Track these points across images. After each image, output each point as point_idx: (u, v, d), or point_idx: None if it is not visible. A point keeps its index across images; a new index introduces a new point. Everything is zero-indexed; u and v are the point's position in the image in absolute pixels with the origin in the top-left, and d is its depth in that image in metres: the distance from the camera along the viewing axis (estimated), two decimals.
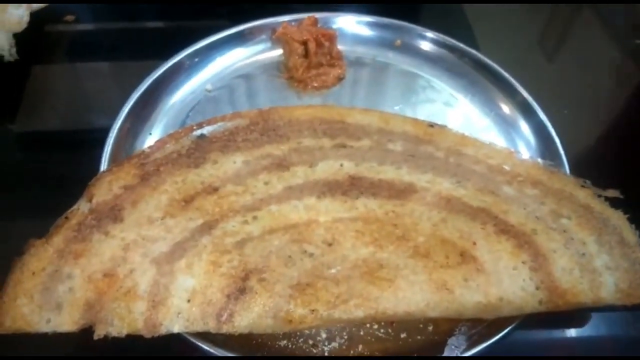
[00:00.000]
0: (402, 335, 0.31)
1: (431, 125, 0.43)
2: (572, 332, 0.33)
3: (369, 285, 0.30)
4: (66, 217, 0.34)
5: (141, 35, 0.55)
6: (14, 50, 0.48)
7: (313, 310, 0.29)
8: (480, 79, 0.47)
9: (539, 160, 0.39)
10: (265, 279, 0.31)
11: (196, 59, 0.47)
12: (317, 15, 0.50)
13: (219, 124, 0.42)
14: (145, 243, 0.32)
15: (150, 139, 0.43)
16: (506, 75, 0.45)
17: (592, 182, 0.36)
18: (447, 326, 0.31)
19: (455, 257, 0.31)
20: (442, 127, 0.42)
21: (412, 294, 0.29)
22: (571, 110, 0.47)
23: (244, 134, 0.41)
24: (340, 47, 0.49)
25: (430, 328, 0.32)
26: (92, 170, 0.38)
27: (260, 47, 0.49)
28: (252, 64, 0.49)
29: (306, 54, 0.47)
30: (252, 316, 0.29)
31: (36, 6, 0.49)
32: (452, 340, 0.30)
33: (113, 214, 0.34)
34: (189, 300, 0.30)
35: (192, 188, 0.37)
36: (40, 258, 0.31)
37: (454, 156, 0.40)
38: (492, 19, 0.55)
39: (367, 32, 0.51)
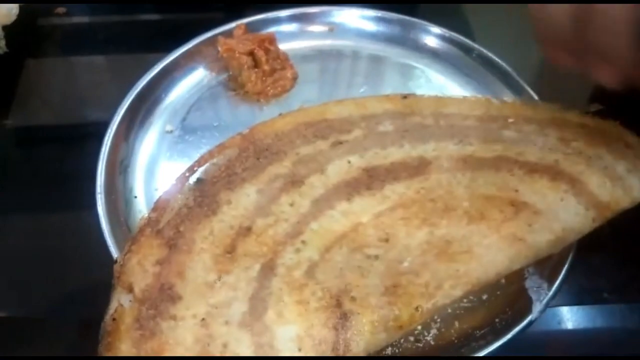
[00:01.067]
0: (484, 297, 0.33)
1: (404, 96, 0.44)
2: (568, 325, 0.36)
3: (451, 263, 0.32)
4: (114, 319, 0.30)
5: (137, 28, 0.54)
6: (3, 42, 0.47)
7: (417, 308, 0.30)
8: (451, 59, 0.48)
9: (514, 97, 0.42)
10: (356, 297, 0.31)
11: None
12: (245, 21, 0.49)
13: (210, 162, 0.39)
14: (221, 310, 0.30)
15: (135, 202, 0.40)
16: (503, 64, 0.46)
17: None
18: (516, 273, 0.34)
19: (508, 208, 0.33)
20: (415, 95, 0.44)
21: (494, 255, 0.31)
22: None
23: (240, 163, 0.39)
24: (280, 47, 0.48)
25: (503, 280, 0.34)
26: (87, 166, 0.38)
27: (198, 71, 0.47)
28: (199, 91, 0.46)
29: (256, 64, 0.46)
30: (365, 338, 0.29)
31: None
32: (529, 284, 0.33)
33: (166, 294, 0.31)
34: (300, 349, 0.29)
35: (225, 236, 0.34)
36: None
37: (442, 118, 0.42)
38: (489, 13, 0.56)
39: (303, 26, 0.50)
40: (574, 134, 0.38)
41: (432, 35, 0.49)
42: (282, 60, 0.47)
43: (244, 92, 0.45)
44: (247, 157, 0.39)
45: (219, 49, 0.46)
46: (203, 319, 0.30)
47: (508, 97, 0.45)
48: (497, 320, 0.33)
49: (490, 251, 0.32)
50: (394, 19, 0.49)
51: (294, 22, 0.50)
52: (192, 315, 0.30)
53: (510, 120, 0.40)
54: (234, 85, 0.46)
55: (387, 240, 0.34)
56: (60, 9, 0.55)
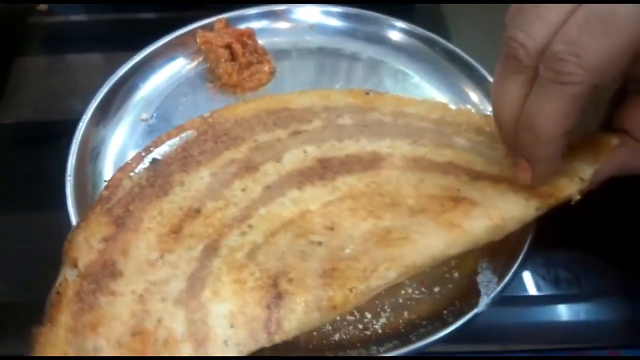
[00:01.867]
0: (436, 290, 0.34)
1: (367, 92, 0.45)
2: (564, 317, 0.36)
3: (388, 248, 0.32)
4: (58, 292, 0.30)
5: (126, 25, 0.54)
6: None
7: (351, 289, 0.31)
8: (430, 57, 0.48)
9: (469, 106, 0.43)
10: (292, 278, 0.31)
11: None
12: (225, 15, 0.49)
13: (167, 143, 0.40)
14: (159, 287, 0.31)
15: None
16: (473, 62, 0.46)
17: None
18: (469, 267, 0.35)
19: (448, 202, 0.34)
20: (378, 92, 0.45)
21: (430, 240, 0.32)
22: None
23: (197, 146, 0.40)
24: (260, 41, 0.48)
25: (456, 274, 0.35)
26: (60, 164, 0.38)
27: (177, 62, 0.48)
28: (176, 81, 0.47)
29: (233, 57, 0.46)
30: (298, 316, 0.30)
31: None
32: (480, 278, 0.34)
33: (108, 270, 0.31)
34: (232, 325, 0.29)
35: (173, 217, 0.35)
36: (54, 344, 0.28)
37: (400, 118, 0.43)
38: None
39: (283, 22, 0.51)
40: None
41: (401, 31, 0.50)
42: (260, 54, 0.47)
43: (220, 84, 0.46)
44: (205, 141, 0.40)
45: (197, 40, 0.47)
46: (141, 295, 0.30)
47: (471, 89, 0.46)
48: (445, 312, 0.33)
49: (426, 237, 0.32)
50: (372, 17, 0.50)
51: (273, 18, 0.51)
52: (130, 291, 0.30)
53: (463, 127, 0.41)
54: (212, 77, 0.46)
55: (332, 229, 0.35)
56: (43, 5, 0.55)
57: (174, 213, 0.35)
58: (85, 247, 0.32)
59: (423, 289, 0.34)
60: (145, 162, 0.38)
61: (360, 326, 0.33)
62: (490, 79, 0.45)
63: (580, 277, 0.37)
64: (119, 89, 0.44)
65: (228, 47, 0.46)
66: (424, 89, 0.47)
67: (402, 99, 0.45)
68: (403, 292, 0.34)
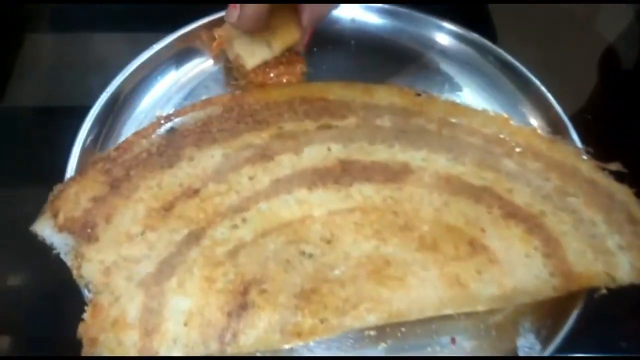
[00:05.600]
0: (468, 348, 0.29)
1: (418, 94, 0.40)
2: None
3: (378, 286, 0.28)
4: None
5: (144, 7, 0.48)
6: None
7: (322, 320, 0.27)
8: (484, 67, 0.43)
9: (536, 126, 0.37)
10: (266, 290, 0.28)
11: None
12: None
13: (189, 114, 0.38)
14: (128, 264, 0.29)
15: None
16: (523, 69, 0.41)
17: (594, 153, 0.34)
18: (508, 326, 0.30)
19: (464, 247, 0.29)
20: (430, 95, 0.40)
21: (425, 291, 0.28)
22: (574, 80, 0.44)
23: (219, 123, 0.37)
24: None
25: (493, 332, 0.30)
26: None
27: (200, 55, 0.42)
28: (198, 77, 0.42)
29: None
30: (257, 333, 0.27)
31: None
32: (521, 342, 0.29)
33: (85, 232, 0.30)
34: (185, 324, 0.27)
35: (170, 192, 0.33)
36: None
37: (447, 128, 0.37)
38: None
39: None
40: (577, 188, 0.32)
41: (448, 34, 0.44)
42: (291, 53, 0.41)
43: (245, 82, 0.40)
44: (228, 119, 0.38)
45: (216, 36, 0.41)
46: (107, 267, 0.29)
47: (527, 108, 0.39)
48: None
49: (423, 286, 0.28)
50: (417, 16, 0.44)
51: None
52: (99, 261, 0.29)
53: (518, 149, 0.35)
54: (237, 74, 0.41)
55: (329, 242, 0.31)
56: None
57: (172, 189, 0.33)
58: (73, 201, 0.32)
59: (453, 347, 0.29)
60: (162, 130, 0.37)
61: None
62: (554, 103, 0.38)
63: None
64: (132, 82, 0.40)
65: None
66: (474, 103, 0.40)
67: (457, 106, 0.39)
68: (430, 349, 0.29)
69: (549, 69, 0.42)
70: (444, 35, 0.44)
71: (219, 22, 0.41)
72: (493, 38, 0.44)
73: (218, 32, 0.41)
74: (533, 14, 0.50)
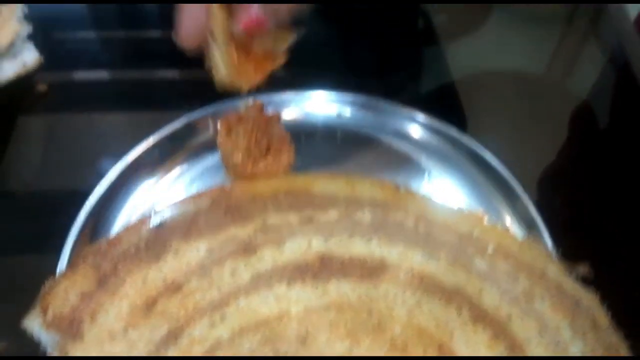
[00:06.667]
0: None
1: (398, 187, 0.42)
2: None
3: None
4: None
5: (151, 86, 0.52)
6: None
7: None
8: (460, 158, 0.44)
9: (509, 221, 0.38)
10: None
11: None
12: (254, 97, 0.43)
13: (179, 207, 0.40)
14: None
15: None
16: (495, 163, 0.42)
17: (565, 251, 0.35)
18: None
19: (433, 351, 0.30)
20: (409, 190, 0.42)
21: None
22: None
23: (206, 216, 0.39)
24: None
25: None
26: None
27: (197, 143, 0.45)
28: (191, 167, 0.44)
29: (250, 146, 0.41)
30: None
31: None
32: None
33: (71, 330, 0.32)
34: None
35: (153, 288, 0.35)
36: None
37: (423, 224, 0.39)
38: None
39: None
40: (545, 291, 0.33)
41: (424, 126, 0.46)
42: (281, 141, 0.42)
43: (234, 173, 0.42)
44: (215, 212, 0.40)
45: (219, 127, 0.42)
46: None
47: (499, 202, 0.41)
48: None
49: None
50: (389, 108, 0.47)
51: (298, 103, 0.48)
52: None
53: (490, 249, 0.36)
54: (226, 164, 0.42)
55: (304, 341, 0.32)
56: (42, 85, 0.49)
57: (156, 284, 0.35)
58: (62, 297, 0.33)
59: None
60: (152, 224, 0.39)
61: None
62: (525, 198, 0.40)
63: None
64: (128, 174, 0.42)
65: (248, 134, 0.41)
66: (452, 196, 0.42)
67: (435, 204, 0.41)
68: None
69: (519, 157, 0.44)
70: (419, 127, 0.46)
71: (225, 111, 0.44)
72: (463, 123, 0.46)
73: (221, 122, 0.43)
74: (502, 95, 0.52)
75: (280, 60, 0.37)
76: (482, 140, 0.44)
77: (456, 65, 0.55)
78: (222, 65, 0.35)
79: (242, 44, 0.35)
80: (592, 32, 0.62)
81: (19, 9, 0.48)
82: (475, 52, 0.58)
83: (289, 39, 0.37)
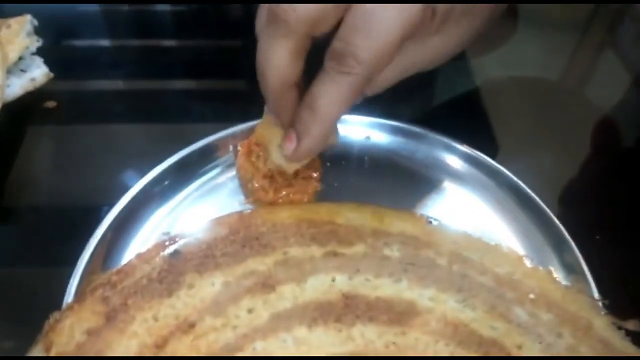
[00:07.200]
0: None
1: (429, 221, 0.39)
2: None
3: None
4: None
5: (166, 97, 0.50)
6: None
7: None
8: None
9: (551, 269, 0.35)
10: None
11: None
12: None
13: (194, 235, 0.38)
14: None
15: None
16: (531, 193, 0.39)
17: (612, 303, 0.32)
18: None
19: None
20: (441, 224, 0.39)
21: None
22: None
23: (223, 246, 0.37)
24: None
25: None
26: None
27: (213, 169, 0.42)
28: (207, 193, 0.41)
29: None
30: None
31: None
32: None
33: None
34: None
35: (165, 326, 0.32)
36: None
37: (458, 263, 0.36)
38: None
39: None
40: (590, 348, 0.29)
41: (460, 156, 0.43)
42: (309, 167, 0.40)
43: (253, 199, 0.40)
44: (233, 242, 0.37)
45: (237, 149, 0.40)
46: None
47: (549, 246, 0.37)
48: None
49: None
50: (426, 135, 0.43)
51: None
52: None
53: (532, 296, 0.33)
54: (246, 191, 0.40)
55: None
56: (51, 102, 0.47)
57: (167, 322, 0.32)
58: (67, 334, 0.31)
59: None
60: (166, 253, 0.36)
61: None
62: (568, 239, 0.36)
63: None
64: (141, 200, 0.39)
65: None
66: (488, 232, 0.39)
67: (470, 239, 0.38)
68: None
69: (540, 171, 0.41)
70: (455, 157, 0.43)
71: (242, 133, 0.42)
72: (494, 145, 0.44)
73: (241, 144, 0.41)
74: (526, 104, 0.49)
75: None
76: (509, 158, 0.41)
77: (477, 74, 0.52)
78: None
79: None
80: (609, 40, 0.59)
81: (28, 23, 0.47)
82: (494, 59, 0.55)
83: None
